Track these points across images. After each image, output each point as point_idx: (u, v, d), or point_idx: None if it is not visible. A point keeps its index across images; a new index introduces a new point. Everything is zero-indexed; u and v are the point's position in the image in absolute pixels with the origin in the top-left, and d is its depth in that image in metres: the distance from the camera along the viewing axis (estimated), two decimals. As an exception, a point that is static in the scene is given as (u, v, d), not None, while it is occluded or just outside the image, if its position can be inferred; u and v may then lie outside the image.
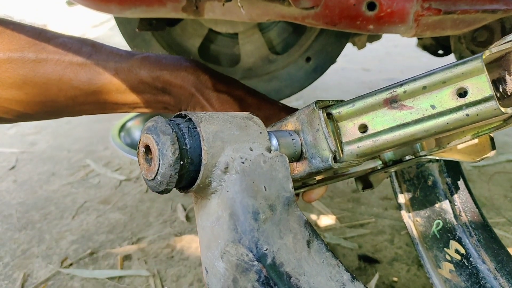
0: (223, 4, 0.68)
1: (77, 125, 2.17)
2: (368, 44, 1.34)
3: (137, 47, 0.98)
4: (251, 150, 0.43)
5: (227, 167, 0.41)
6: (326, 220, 1.40)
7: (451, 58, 1.26)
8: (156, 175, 0.39)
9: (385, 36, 1.20)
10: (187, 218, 1.38)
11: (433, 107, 0.44)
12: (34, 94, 0.67)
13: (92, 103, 0.70)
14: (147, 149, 0.41)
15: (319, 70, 0.98)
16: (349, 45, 1.20)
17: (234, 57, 1.06)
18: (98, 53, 0.69)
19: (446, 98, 0.43)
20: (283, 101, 1.20)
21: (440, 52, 1.05)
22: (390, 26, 0.63)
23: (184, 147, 0.40)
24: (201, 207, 0.44)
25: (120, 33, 0.99)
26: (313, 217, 1.41)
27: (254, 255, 0.40)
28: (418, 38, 1.08)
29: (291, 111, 0.72)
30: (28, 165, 1.75)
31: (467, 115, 0.41)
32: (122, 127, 1.76)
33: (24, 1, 4.46)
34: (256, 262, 0.40)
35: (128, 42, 0.99)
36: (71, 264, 1.18)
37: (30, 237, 1.29)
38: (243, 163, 0.41)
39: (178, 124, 0.41)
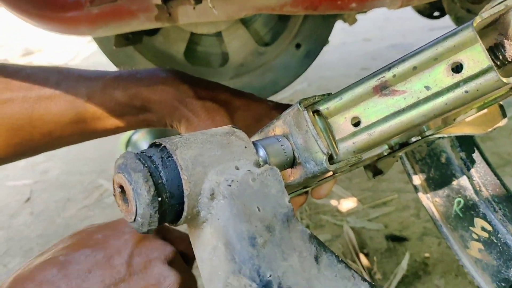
0: (194, 8, 0.64)
1: (86, 146, 2.16)
2: (364, 15, 1.28)
3: (121, 63, 0.95)
4: (237, 169, 0.39)
5: (213, 193, 0.37)
6: (347, 204, 1.35)
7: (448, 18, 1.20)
8: (135, 216, 0.36)
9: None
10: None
11: (427, 88, 0.39)
12: (6, 137, 0.63)
13: (71, 134, 0.66)
14: (122, 189, 0.37)
15: (312, 54, 0.93)
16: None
17: (223, 56, 1.01)
18: (66, 80, 0.65)
19: (440, 76, 0.38)
20: (282, 92, 1.16)
21: (436, 14, 0.99)
22: (374, 1, 0.58)
23: (159, 181, 0.36)
24: (195, 238, 0.41)
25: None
26: (333, 202, 1.37)
27: (257, 284, 0.36)
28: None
29: (282, 107, 0.68)
30: (43, 194, 1.75)
31: (466, 91, 0.37)
32: (128, 142, 1.74)
33: (17, 27, 4.47)
34: (261, 292, 0.36)
35: (111, 60, 0.95)
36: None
37: (54, 268, 1.28)
38: (229, 185, 0.38)
39: (150, 156, 0.37)
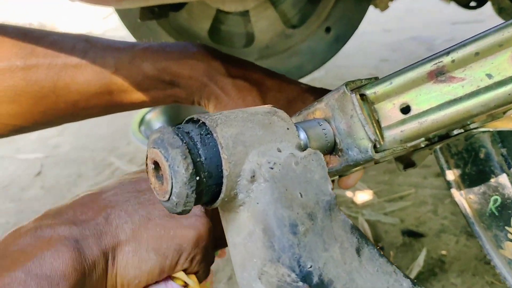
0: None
1: (98, 123, 2.14)
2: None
3: (143, 37, 0.92)
4: (279, 151, 0.37)
5: (253, 176, 0.35)
6: (362, 196, 1.33)
7: (483, 10, 1.15)
8: (170, 195, 0.34)
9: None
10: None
11: (489, 76, 0.36)
12: (29, 105, 0.61)
13: (95, 106, 0.64)
14: (157, 165, 0.35)
15: (341, 39, 0.90)
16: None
17: (248, 36, 0.98)
18: (94, 49, 0.62)
19: (505, 64, 0.36)
20: (306, 77, 1.13)
21: (473, 4, 0.95)
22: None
23: (198, 159, 0.33)
24: (229, 221, 0.39)
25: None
26: (349, 194, 1.34)
27: (297, 275, 0.34)
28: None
29: (316, 91, 0.65)
30: (53, 169, 1.74)
31: (533, 82, 0.34)
32: (142, 121, 1.71)
33: (32, 1, 4.44)
34: (300, 283, 0.34)
35: (132, 33, 0.92)
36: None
37: (63, 243, 1.28)
38: (271, 168, 0.35)
39: (188, 132, 0.35)
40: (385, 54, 2.54)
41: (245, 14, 0.95)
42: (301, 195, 0.36)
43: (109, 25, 4.02)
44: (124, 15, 0.90)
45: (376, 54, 2.56)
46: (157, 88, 0.62)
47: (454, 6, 1.25)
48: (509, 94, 0.36)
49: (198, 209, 0.46)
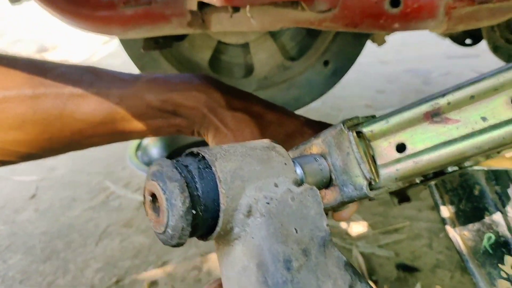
0: (231, 16, 0.62)
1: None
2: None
3: (145, 66, 0.94)
4: (276, 186, 0.37)
5: (250, 210, 0.35)
6: (357, 228, 1.32)
7: (480, 47, 1.18)
8: (166, 228, 0.34)
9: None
10: (213, 236, 1.33)
11: (484, 119, 0.37)
12: (36, 132, 0.62)
13: (100, 135, 0.66)
14: (154, 197, 0.35)
15: (339, 73, 0.91)
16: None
17: (247, 67, 1.00)
18: (99, 80, 0.64)
19: (499, 108, 0.37)
20: (303, 108, 1.14)
21: (468, 41, 0.98)
22: (418, 22, 0.57)
23: (195, 192, 0.34)
24: (224, 255, 0.39)
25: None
26: (343, 225, 1.34)
27: (290, 311, 0.34)
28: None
29: (314, 124, 0.66)
30: (48, 192, 1.73)
31: (527, 126, 0.35)
32: (139, 146, 1.72)
33: (34, 24, 4.50)
34: (293, 320, 0.34)
35: (135, 62, 0.94)
36: (97, 295, 1.14)
37: (55, 268, 1.26)
38: (268, 203, 0.36)
39: (187, 166, 0.35)
40: (382, 85, 2.58)
41: (245, 45, 0.97)
42: (296, 231, 0.36)
43: (109, 50, 4.07)
44: (127, 44, 0.92)
45: (373, 85, 2.59)
46: (160, 117, 0.64)
47: (449, 41, 1.28)
48: (503, 138, 0.37)
49: None
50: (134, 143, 1.75)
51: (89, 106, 0.62)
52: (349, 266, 0.39)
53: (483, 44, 1.00)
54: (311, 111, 2.20)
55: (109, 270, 1.23)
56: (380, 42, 1.01)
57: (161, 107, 0.63)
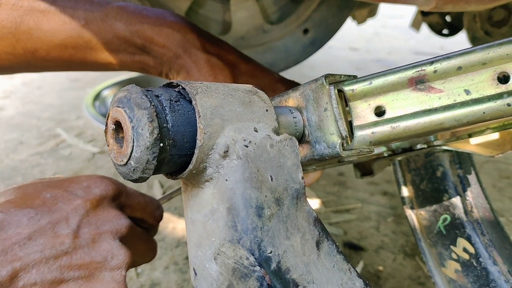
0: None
1: (48, 91, 2.04)
2: (355, 24, 1.26)
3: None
4: (256, 131, 0.36)
5: (227, 151, 0.33)
6: (310, 204, 1.34)
7: (445, 44, 1.20)
8: (128, 159, 0.31)
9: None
10: (165, 195, 1.30)
11: (467, 92, 0.37)
12: None
13: (56, 59, 0.59)
14: (118, 126, 0.33)
15: (318, 43, 0.90)
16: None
17: (225, 24, 0.96)
18: None
19: (484, 83, 0.36)
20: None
21: (445, 32, 0.99)
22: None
23: (165, 125, 0.31)
24: (191, 197, 0.37)
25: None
26: (297, 199, 1.35)
27: (256, 258, 0.33)
28: (423, 15, 1.01)
29: (287, 82, 0.64)
30: (-6, 131, 1.63)
31: (509, 104, 0.35)
32: (97, 96, 1.65)
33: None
34: (258, 267, 0.33)
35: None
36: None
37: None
38: (246, 146, 0.34)
39: (158, 96, 0.32)
40: (350, 71, 2.60)
41: (225, 1, 0.94)
42: (271, 179, 0.35)
43: None
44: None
45: (341, 69, 2.61)
46: (126, 51, 0.59)
47: (418, 37, 1.30)
48: (483, 113, 0.36)
49: (119, 275, 0.43)
50: (92, 92, 1.67)
51: (50, 24, 0.56)
52: (318, 222, 0.38)
53: (451, 43, 1.02)
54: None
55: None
56: (361, 20, 1.00)
57: (129, 38, 0.58)
